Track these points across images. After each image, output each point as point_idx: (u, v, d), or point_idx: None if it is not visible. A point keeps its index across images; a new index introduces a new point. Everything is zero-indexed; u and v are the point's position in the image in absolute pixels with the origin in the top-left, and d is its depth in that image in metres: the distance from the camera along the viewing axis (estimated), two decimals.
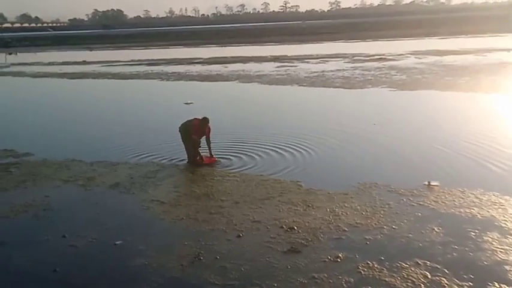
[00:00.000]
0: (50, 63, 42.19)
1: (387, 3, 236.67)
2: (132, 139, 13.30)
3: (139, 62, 39.43)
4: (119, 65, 38.11)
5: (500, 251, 6.21)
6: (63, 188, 9.61)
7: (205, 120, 10.65)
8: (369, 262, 6.08)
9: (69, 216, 8.22)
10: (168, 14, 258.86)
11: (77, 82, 28.83)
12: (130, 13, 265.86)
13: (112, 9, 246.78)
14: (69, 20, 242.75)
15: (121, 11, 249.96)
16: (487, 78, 21.04)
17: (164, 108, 18.77)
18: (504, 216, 7.25)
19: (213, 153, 10.83)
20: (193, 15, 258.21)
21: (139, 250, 6.73)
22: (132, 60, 41.47)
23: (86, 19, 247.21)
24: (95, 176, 10.13)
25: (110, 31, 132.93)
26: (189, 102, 18.48)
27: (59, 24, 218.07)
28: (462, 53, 33.47)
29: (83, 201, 8.87)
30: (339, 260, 6.18)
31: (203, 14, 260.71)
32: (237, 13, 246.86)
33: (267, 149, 11.53)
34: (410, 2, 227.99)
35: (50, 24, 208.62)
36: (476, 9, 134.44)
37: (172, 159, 11.11)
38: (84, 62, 41.48)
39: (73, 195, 9.25)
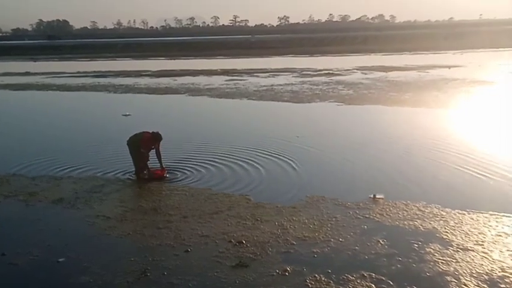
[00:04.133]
0: None
1: (334, 20, 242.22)
2: (76, 152, 12.96)
3: (86, 74, 38.59)
4: (64, 76, 37.17)
5: (442, 262, 6.40)
6: (3, 204, 9.25)
7: (158, 136, 10.54)
8: (316, 275, 6.14)
9: (9, 233, 7.90)
10: (116, 26, 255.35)
11: (20, 94, 27.92)
12: (77, 24, 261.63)
13: (57, 20, 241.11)
14: (12, 30, 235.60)
15: (67, 21, 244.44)
16: (430, 94, 21.80)
17: (107, 121, 18.49)
18: (445, 228, 7.49)
19: (163, 166, 10.69)
20: (142, 27, 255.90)
21: (84, 267, 6.54)
22: (78, 72, 40.56)
23: (30, 29, 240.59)
24: (37, 191, 9.79)
25: (55, 42, 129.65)
26: (127, 114, 18.46)
27: (0, 34, 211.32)
28: (406, 69, 34.59)
29: (24, 218, 8.54)
30: (287, 274, 6.21)
31: (152, 27, 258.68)
32: (187, 26, 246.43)
33: (215, 162, 11.48)
34: (357, 19, 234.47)
35: None
36: (420, 27, 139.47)
37: (118, 173, 10.88)
38: (28, 73, 40.23)
39: (13, 211, 8.91)
